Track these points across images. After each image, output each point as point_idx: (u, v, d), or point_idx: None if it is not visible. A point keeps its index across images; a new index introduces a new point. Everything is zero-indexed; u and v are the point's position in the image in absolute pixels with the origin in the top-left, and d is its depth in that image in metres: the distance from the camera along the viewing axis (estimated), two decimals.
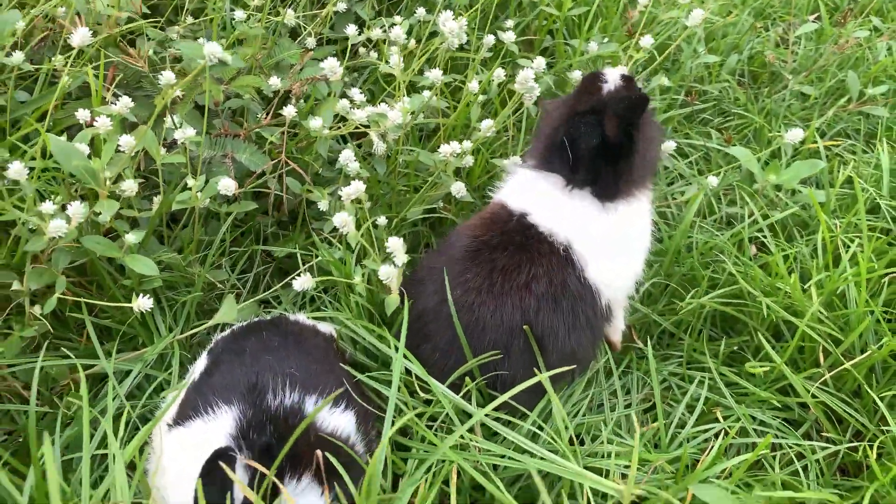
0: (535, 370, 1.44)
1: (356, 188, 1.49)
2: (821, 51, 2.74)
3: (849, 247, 1.83)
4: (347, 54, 1.93)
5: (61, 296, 1.50)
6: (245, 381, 1.29)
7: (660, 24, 2.50)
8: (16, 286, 1.52)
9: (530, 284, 1.49)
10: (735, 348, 1.80)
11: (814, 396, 1.62)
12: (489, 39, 2.00)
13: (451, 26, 1.76)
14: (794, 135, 1.92)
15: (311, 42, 2.06)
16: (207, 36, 1.98)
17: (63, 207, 1.45)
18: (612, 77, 1.57)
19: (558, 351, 1.53)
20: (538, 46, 2.43)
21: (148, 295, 1.47)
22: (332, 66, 1.58)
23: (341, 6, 2.10)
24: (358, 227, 1.64)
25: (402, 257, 1.49)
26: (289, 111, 1.61)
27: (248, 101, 1.77)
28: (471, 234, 1.58)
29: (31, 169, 1.46)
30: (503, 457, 1.30)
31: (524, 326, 1.47)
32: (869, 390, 1.59)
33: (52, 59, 1.69)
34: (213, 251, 1.70)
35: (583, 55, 2.28)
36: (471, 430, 1.40)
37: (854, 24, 2.87)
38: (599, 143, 1.48)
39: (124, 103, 1.51)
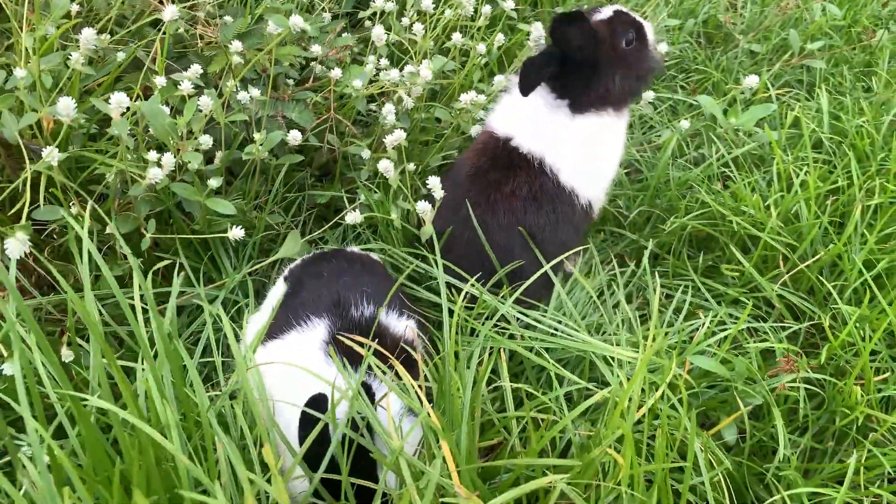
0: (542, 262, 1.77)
1: (398, 136, 1.78)
2: (765, 13, 3.11)
3: (798, 174, 2.19)
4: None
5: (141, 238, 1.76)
6: (330, 298, 1.56)
7: None
8: (109, 230, 1.77)
9: (515, 192, 1.82)
10: (710, 263, 2.15)
11: (778, 295, 1.98)
12: (487, 9, 2.29)
13: None
14: (751, 80, 2.27)
15: (326, 17, 2.32)
16: (234, 12, 2.22)
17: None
18: (605, 10, 1.87)
19: (549, 243, 1.85)
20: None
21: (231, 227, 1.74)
22: (378, 35, 1.86)
23: None
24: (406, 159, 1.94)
25: (439, 193, 1.78)
26: (335, 73, 1.88)
27: (287, 68, 2.03)
28: (469, 163, 1.89)
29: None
30: (535, 340, 1.62)
31: (518, 228, 1.79)
32: (821, 285, 1.96)
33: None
34: (271, 198, 1.97)
35: None
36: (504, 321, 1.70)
37: None
38: (576, 60, 1.78)
39: (194, 70, 1.77)
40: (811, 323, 1.95)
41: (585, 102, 1.85)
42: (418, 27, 1.98)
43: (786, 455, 1.58)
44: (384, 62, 2.04)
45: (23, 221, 1.60)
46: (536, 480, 1.08)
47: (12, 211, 1.70)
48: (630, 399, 1.33)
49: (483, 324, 1.63)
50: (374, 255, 1.87)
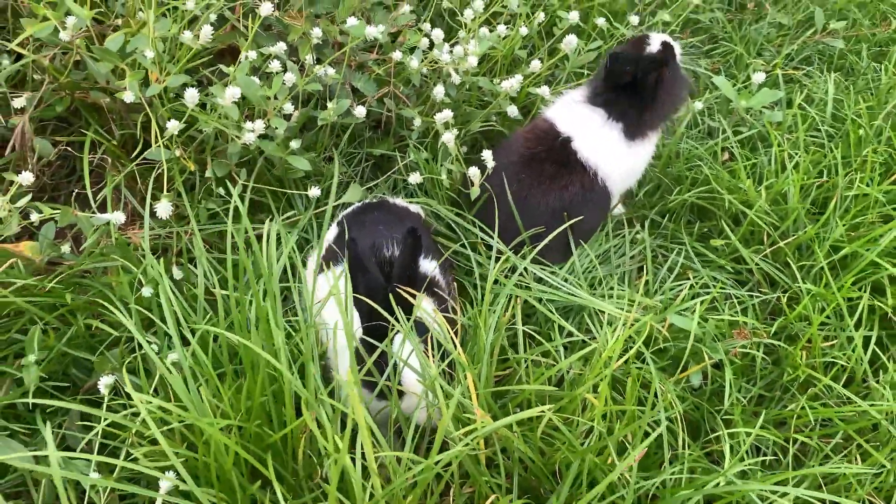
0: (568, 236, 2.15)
1: (446, 114, 2.12)
2: None
3: (793, 157, 2.50)
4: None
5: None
6: (367, 242, 1.94)
7: None
8: (208, 174, 2.16)
9: (567, 187, 2.17)
10: (705, 230, 2.51)
11: (757, 265, 2.34)
12: None
13: None
14: (759, 77, 2.55)
15: None
16: None
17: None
18: (655, 40, 2.18)
19: (582, 228, 2.22)
20: None
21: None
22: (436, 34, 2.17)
23: None
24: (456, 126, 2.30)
25: (490, 163, 2.13)
26: (396, 56, 2.21)
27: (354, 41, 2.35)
28: (525, 144, 2.22)
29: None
30: (545, 293, 2.03)
31: (564, 213, 2.16)
32: (791, 262, 2.31)
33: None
34: (337, 153, 2.34)
35: None
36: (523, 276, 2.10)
37: None
38: (632, 91, 2.11)
39: (279, 47, 2.10)
40: (783, 292, 2.33)
41: (638, 127, 2.20)
42: (469, 12, 2.27)
43: (737, 399, 2.01)
44: (438, 33, 2.34)
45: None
46: (530, 410, 1.50)
47: (134, 154, 2.09)
48: (613, 351, 1.75)
49: (508, 277, 2.03)
50: (416, 207, 2.24)
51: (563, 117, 2.23)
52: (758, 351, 2.09)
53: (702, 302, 2.10)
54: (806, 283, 2.21)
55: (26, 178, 1.77)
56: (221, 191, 2.20)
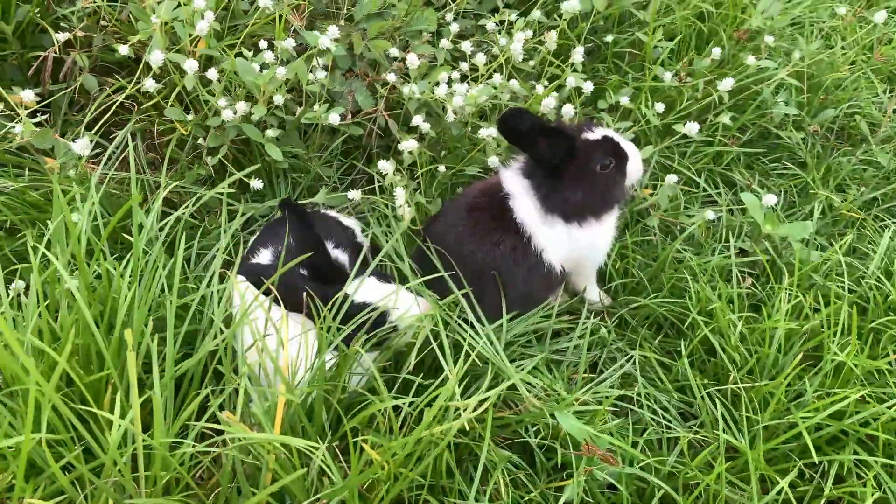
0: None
1: (411, 144, 2.15)
2: None
3: (795, 300, 2.22)
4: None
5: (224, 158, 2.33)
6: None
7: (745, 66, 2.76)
8: (200, 142, 2.36)
9: (499, 244, 2.09)
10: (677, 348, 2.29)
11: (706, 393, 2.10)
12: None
13: (552, 36, 2.35)
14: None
15: (448, 17, 2.66)
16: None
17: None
18: (599, 132, 2.04)
19: (514, 290, 2.13)
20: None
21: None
22: (466, 60, 2.22)
23: None
24: (421, 166, 2.32)
25: (409, 215, 2.14)
26: (391, 77, 2.28)
27: (380, 56, 2.45)
28: (474, 193, 2.17)
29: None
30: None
31: (492, 272, 2.08)
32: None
33: None
34: (327, 154, 2.45)
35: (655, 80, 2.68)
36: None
37: None
38: (561, 178, 2.01)
39: (288, 43, 2.25)
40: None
41: (571, 215, 2.07)
42: (481, 57, 2.29)
43: None
44: (456, 77, 2.37)
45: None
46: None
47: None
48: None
49: None
50: (350, 221, 2.26)
51: (511, 174, 2.13)
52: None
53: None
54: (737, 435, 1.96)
55: (28, 95, 2.05)
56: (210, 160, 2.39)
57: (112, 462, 1.35)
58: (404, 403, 1.69)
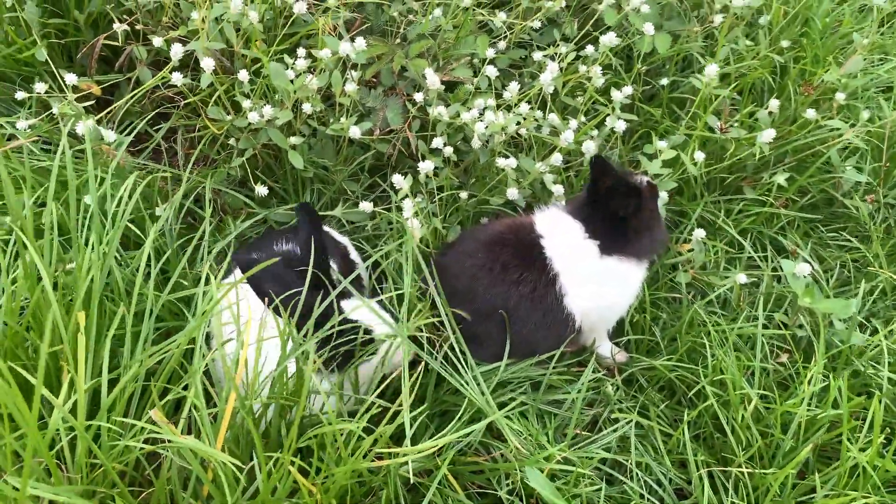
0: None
1: (428, 165, 2.09)
2: None
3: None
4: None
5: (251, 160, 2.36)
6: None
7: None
8: (232, 142, 2.41)
9: (519, 283, 2.00)
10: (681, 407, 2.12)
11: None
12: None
13: (597, 71, 2.26)
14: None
15: (501, 45, 2.60)
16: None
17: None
18: (642, 178, 2.03)
19: (521, 335, 2.02)
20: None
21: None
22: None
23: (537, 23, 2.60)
24: (442, 190, 2.26)
25: (417, 234, 2.08)
26: (418, 97, 2.24)
27: (418, 76, 2.42)
28: (499, 227, 2.10)
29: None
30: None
31: (501, 311, 1.99)
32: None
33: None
34: (354, 166, 2.44)
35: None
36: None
37: None
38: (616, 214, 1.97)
39: (324, 53, 2.25)
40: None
41: (618, 249, 2.01)
42: (514, 86, 2.21)
43: None
44: (489, 103, 2.30)
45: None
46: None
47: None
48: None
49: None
50: (342, 238, 2.23)
51: (545, 217, 2.08)
52: None
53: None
54: None
55: (71, 78, 2.15)
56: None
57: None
58: (357, 428, 1.61)
